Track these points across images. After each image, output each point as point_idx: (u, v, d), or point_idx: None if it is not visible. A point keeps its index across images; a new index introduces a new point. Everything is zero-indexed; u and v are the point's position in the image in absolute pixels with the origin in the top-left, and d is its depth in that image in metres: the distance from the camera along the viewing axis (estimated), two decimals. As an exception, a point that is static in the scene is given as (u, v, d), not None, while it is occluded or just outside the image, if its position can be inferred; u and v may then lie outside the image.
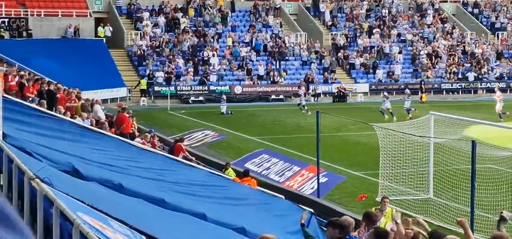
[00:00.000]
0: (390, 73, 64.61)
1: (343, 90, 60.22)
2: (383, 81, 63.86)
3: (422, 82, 62.36)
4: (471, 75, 65.78)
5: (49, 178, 9.08)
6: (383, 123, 36.09)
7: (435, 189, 24.29)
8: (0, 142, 11.88)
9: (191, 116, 47.35)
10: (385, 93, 51.12)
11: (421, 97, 58.97)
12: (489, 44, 71.49)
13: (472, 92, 64.71)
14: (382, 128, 26.22)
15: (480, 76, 66.33)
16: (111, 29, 62.80)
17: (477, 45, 70.36)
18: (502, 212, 13.30)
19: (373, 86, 63.10)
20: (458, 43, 70.54)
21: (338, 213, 18.76)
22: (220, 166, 25.91)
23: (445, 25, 73.55)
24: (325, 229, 11.53)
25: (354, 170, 28.90)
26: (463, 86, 65.06)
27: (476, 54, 68.67)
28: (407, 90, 51.25)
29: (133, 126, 30.07)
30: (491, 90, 64.93)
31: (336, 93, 60.28)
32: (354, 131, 39.28)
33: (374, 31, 69.40)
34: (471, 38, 71.91)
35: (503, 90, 65.06)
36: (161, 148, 28.27)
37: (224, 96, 51.35)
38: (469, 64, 67.27)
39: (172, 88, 57.64)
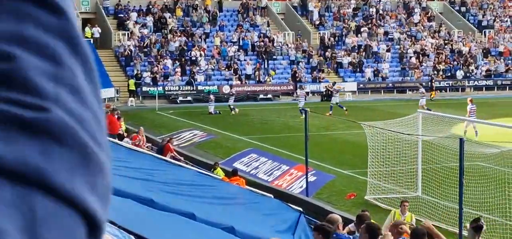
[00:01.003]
0: (377, 71, 64.61)
1: (331, 89, 60.19)
2: (371, 79, 63.99)
3: (432, 80, 62.68)
4: (459, 73, 65.95)
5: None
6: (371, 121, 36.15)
7: (423, 186, 24.33)
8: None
9: (179, 117, 47.28)
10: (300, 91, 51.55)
11: (430, 95, 59.27)
12: (476, 42, 71.74)
13: (459, 91, 64.90)
14: (371, 126, 26.25)
15: (467, 74, 66.53)
16: (99, 30, 62.62)
17: (464, 43, 70.59)
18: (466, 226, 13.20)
19: (361, 85, 63.23)
20: (446, 41, 70.74)
21: (327, 212, 18.77)
22: (209, 165, 25.89)
23: (432, 23, 73.77)
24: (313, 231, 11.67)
25: (342, 169, 28.92)
26: (450, 84, 65.26)
27: (464, 52, 68.88)
28: (336, 87, 51.13)
29: (120, 126, 30.06)
30: (478, 88, 65.26)
31: (324, 92, 60.28)
32: (342, 129, 39.29)
33: (361, 29, 69.50)
34: (458, 36, 72.15)
35: (490, 88, 65.48)
36: (150, 148, 28.27)
37: (212, 96, 51.32)
38: (456, 63, 67.44)
39: (160, 88, 57.56)
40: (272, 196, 17.00)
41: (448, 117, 31.22)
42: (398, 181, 24.92)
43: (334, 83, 56.17)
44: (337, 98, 49.92)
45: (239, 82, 60.38)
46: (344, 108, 46.95)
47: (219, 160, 28.28)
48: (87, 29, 62.25)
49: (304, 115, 45.31)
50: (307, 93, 58.24)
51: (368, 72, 64.24)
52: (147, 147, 27.88)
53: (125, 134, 29.33)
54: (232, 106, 49.42)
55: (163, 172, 14.86)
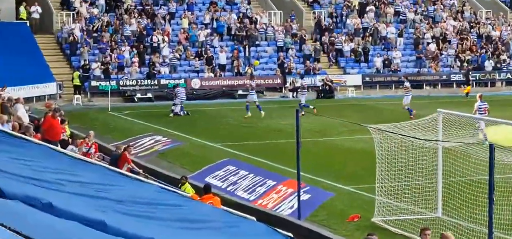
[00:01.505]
0: (386, 61, 64.58)
1: (330, 84, 60.33)
2: (380, 71, 64.00)
3: (469, 73, 63.03)
4: (488, 64, 66.14)
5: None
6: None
7: (444, 205, 24.39)
8: None
9: (137, 118, 47.24)
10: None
11: (464, 89, 59.72)
12: (508, 25, 71.98)
13: (488, 85, 65.10)
14: (379, 130, 26.28)
15: (498, 65, 66.75)
16: (39, 9, 62.26)
17: (494, 26, 70.84)
18: None
19: (367, 78, 63.24)
20: (471, 24, 70.95)
21: (324, 238, 18.80)
22: (175, 180, 25.88)
23: (454, 1, 74.00)
24: None
25: (343, 184, 28.95)
26: (477, 78, 65.45)
27: (493, 38, 69.13)
28: (252, 83, 50.21)
29: (64, 131, 30.02)
30: (512, 83, 65.57)
31: (320, 87, 60.34)
32: (343, 134, 39.36)
33: (367, 9, 69.60)
34: (486, 18, 72.41)
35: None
36: (101, 158, 28.24)
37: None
38: (484, 51, 67.64)
39: (113, 83, 57.40)
40: (255, 219, 17.03)
41: (475, 119, 31.29)
42: (413, 198, 24.96)
43: (302, 77, 55.27)
44: (303, 97, 49.51)
45: (212, 74, 60.36)
46: (302, 113, 45.51)
47: (187, 173, 28.27)
48: (22, 8, 61.99)
49: (249, 113, 45.71)
50: (295, 89, 58.35)
51: (376, 62, 64.31)
52: (98, 157, 27.84)
53: (70, 140, 29.29)
54: (175, 109, 49.12)
55: (118, 188, 14.86)
